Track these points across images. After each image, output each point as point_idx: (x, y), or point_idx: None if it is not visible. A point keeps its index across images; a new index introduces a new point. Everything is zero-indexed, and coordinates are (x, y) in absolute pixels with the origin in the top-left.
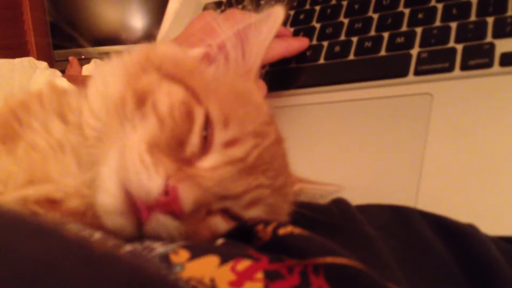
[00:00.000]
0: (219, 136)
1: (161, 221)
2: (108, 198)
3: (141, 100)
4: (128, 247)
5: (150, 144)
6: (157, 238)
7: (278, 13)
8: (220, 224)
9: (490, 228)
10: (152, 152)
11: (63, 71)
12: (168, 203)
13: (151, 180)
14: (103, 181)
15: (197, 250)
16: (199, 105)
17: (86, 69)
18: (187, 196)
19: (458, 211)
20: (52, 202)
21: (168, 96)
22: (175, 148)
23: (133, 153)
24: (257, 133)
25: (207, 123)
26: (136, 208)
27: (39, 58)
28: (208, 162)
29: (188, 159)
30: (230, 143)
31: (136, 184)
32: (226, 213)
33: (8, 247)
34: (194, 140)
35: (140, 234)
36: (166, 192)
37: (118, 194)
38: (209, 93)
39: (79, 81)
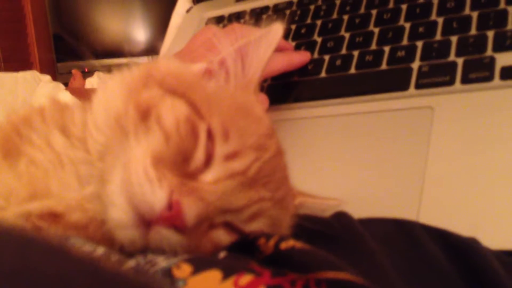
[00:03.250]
0: (220, 149)
1: (164, 235)
2: (116, 212)
3: (144, 113)
4: (131, 263)
5: (154, 158)
6: (160, 251)
7: (277, 29)
8: (223, 237)
9: (492, 241)
10: (156, 166)
11: (66, 84)
12: (171, 217)
13: (155, 195)
14: (111, 194)
15: (200, 264)
16: (201, 120)
17: (89, 82)
18: (190, 210)
19: (460, 224)
20: (54, 216)
21: (172, 111)
22: (179, 163)
23: (138, 167)
24: (258, 146)
25: (208, 137)
26: (143, 221)
27: (42, 71)
28: (209, 175)
29: (191, 173)
30: (230, 156)
31: (141, 198)
32: (228, 226)
33: (23, 267)
34: (199, 156)
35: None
36: (169, 206)
37: (125, 208)
38: (210, 106)
39: (83, 94)
